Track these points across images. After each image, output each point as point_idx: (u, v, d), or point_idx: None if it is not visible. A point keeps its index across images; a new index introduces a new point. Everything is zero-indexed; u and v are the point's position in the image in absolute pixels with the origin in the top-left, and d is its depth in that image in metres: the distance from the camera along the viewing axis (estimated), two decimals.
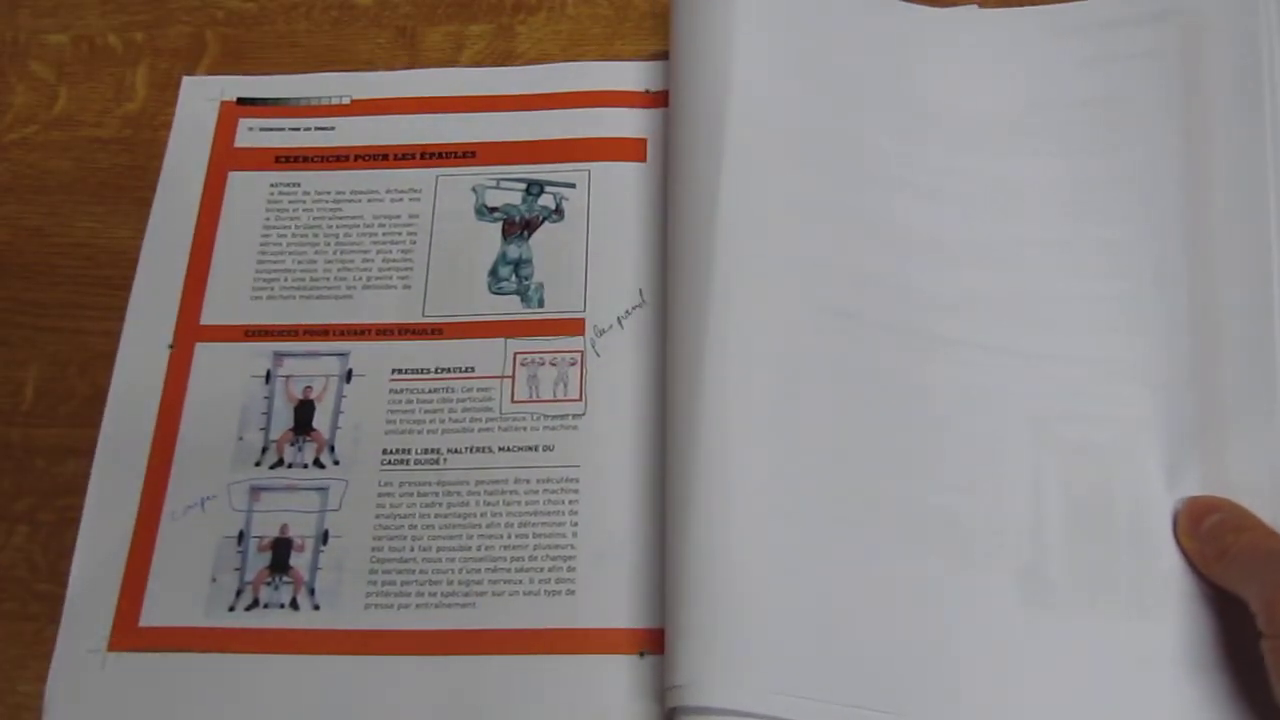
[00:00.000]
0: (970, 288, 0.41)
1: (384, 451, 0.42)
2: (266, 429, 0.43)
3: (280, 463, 0.42)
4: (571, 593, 0.39)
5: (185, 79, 0.49)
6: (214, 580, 0.40)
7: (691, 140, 0.42)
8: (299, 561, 0.40)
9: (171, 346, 0.44)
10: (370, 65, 0.49)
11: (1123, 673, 0.36)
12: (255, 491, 0.41)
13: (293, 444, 0.42)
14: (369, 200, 0.46)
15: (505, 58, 0.49)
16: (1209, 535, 0.36)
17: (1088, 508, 0.38)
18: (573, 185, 0.46)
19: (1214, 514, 0.36)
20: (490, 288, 0.44)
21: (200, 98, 0.49)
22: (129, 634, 0.39)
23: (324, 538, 0.41)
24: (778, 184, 0.41)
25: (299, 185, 0.47)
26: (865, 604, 0.36)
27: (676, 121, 0.44)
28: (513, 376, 0.43)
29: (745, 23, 0.43)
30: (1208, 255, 0.40)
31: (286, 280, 0.45)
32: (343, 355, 0.44)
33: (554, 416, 0.42)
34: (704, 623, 0.35)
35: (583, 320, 0.43)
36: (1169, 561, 0.37)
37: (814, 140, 0.42)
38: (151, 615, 0.39)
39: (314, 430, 0.42)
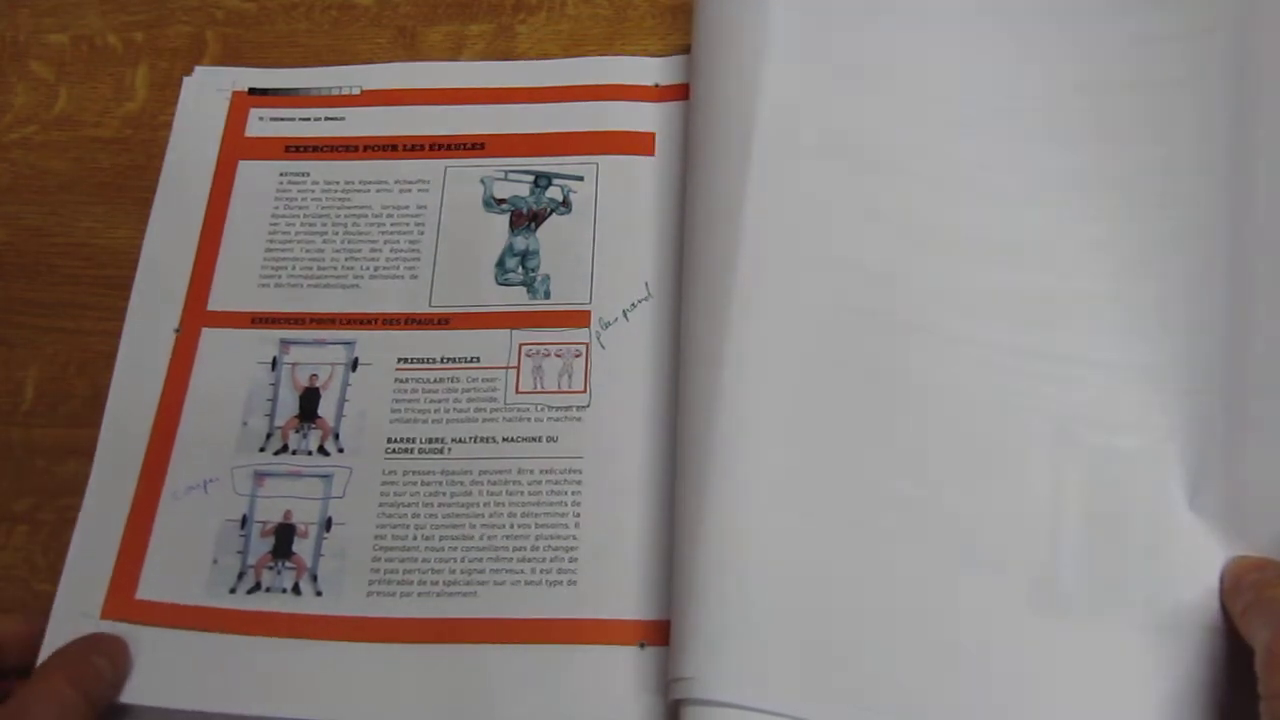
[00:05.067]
0: (998, 287, 0.40)
1: (388, 440, 0.42)
2: (271, 415, 0.43)
3: (285, 449, 0.42)
4: (573, 583, 0.39)
5: (197, 68, 0.50)
6: (215, 562, 0.40)
7: (716, 136, 0.42)
8: (302, 548, 0.40)
9: (178, 330, 0.44)
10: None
11: (1131, 688, 0.35)
12: (259, 477, 0.42)
13: (297, 431, 0.42)
14: (377, 190, 0.47)
15: (505, 58, 0.49)
16: (1246, 589, 0.34)
17: (1107, 517, 0.37)
18: (580, 178, 0.46)
19: (1256, 572, 0.34)
20: (497, 279, 0.45)
21: (211, 88, 0.49)
22: (124, 604, 0.39)
23: (327, 525, 0.41)
24: (803, 181, 0.41)
25: (308, 174, 0.47)
26: (875, 604, 0.36)
27: (699, 116, 0.43)
28: (518, 367, 0.43)
29: (777, 17, 0.42)
30: (1245, 254, 0.38)
31: (294, 268, 0.45)
32: (349, 344, 0.44)
33: (558, 408, 0.42)
34: (713, 617, 0.35)
35: (588, 312, 0.44)
36: (1184, 578, 0.36)
37: (843, 136, 0.42)
38: (148, 590, 0.39)
39: (319, 418, 0.43)
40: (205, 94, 0.49)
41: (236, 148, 0.48)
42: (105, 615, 0.39)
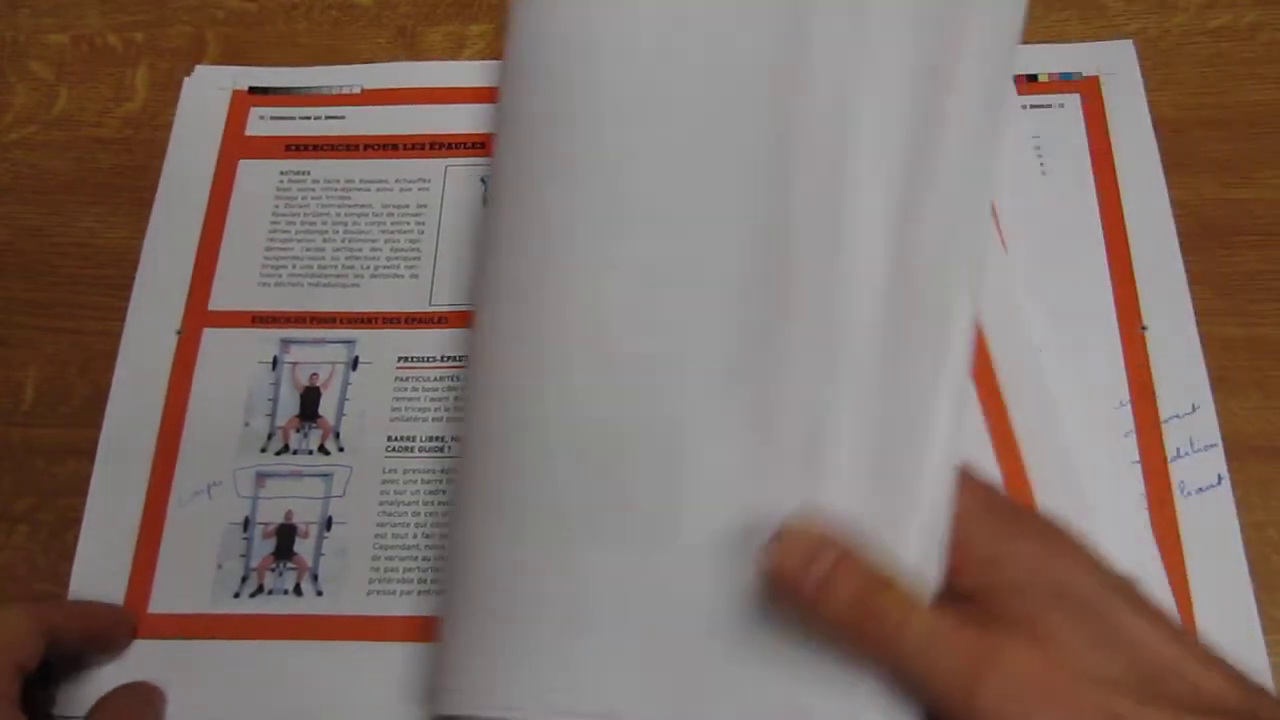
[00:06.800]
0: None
1: (389, 439, 0.42)
2: (273, 415, 0.43)
3: (286, 449, 0.42)
4: None
5: (197, 67, 0.49)
6: (220, 567, 0.40)
7: None
8: (303, 548, 0.40)
9: (179, 332, 0.44)
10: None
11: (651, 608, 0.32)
12: (261, 478, 0.42)
13: (298, 430, 0.42)
14: (378, 189, 0.47)
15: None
16: (821, 580, 0.30)
17: (619, 435, 0.34)
18: None
19: (826, 551, 0.30)
20: None
21: (212, 87, 0.49)
22: (139, 621, 0.39)
23: (328, 524, 0.41)
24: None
25: (308, 173, 0.47)
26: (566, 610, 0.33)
27: None
28: None
29: (515, 35, 0.39)
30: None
31: (295, 267, 0.45)
32: (349, 343, 0.44)
33: None
34: (447, 630, 0.35)
35: None
36: (690, 496, 0.33)
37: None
38: (159, 603, 0.40)
39: (320, 417, 0.43)
40: (205, 93, 0.49)
41: (237, 147, 0.48)
42: None
